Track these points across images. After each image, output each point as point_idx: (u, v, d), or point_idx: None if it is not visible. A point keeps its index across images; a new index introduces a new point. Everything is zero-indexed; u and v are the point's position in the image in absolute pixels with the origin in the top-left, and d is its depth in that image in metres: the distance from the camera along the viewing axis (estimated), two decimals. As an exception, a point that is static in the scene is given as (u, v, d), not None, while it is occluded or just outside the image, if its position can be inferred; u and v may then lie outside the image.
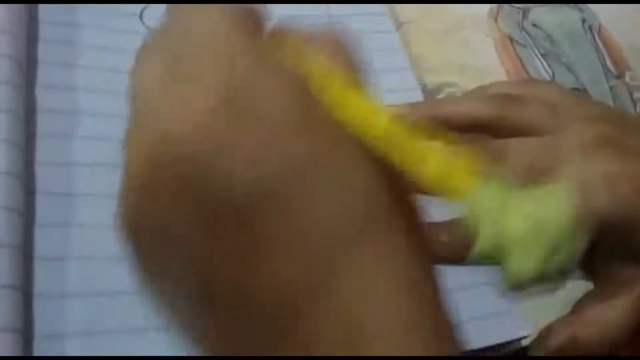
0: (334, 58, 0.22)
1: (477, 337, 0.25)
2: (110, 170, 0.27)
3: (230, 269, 0.19)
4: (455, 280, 0.30)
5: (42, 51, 0.30)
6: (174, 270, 0.20)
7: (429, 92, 0.38)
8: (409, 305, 0.19)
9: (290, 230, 0.19)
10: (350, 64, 0.22)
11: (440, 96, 0.38)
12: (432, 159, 0.17)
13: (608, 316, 0.30)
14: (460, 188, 0.17)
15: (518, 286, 0.16)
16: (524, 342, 0.30)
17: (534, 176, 0.31)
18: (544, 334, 0.30)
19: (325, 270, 0.19)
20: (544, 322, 0.31)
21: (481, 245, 0.16)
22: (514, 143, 0.32)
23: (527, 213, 0.16)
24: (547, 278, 0.16)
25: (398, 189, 0.19)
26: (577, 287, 0.33)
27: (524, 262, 0.16)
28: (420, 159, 0.17)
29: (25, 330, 0.23)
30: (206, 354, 0.22)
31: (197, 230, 0.19)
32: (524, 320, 0.30)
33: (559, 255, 0.16)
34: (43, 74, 0.30)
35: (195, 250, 0.19)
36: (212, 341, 0.21)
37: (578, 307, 0.32)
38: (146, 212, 0.20)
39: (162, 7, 0.35)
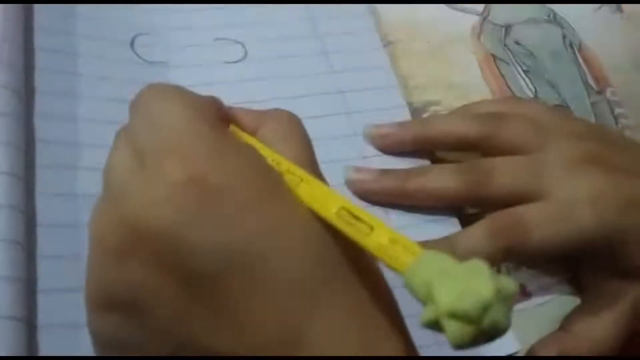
0: (286, 138, 0.24)
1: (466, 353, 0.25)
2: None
3: (206, 329, 0.20)
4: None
5: (39, 80, 0.30)
6: (141, 337, 0.21)
7: (415, 110, 0.38)
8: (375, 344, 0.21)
9: (262, 291, 0.20)
10: (302, 143, 0.24)
11: (426, 114, 0.39)
12: (374, 235, 0.20)
13: (597, 331, 0.31)
14: (398, 263, 0.20)
15: (461, 347, 0.19)
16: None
17: (520, 195, 0.32)
18: (535, 350, 0.31)
19: (296, 324, 0.20)
20: (534, 338, 0.32)
21: (422, 318, 0.19)
22: (499, 162, 0.33)
23: (455, 288, 0.19)
24: (483, 337, 0.19)
25: (353, 251, 0.21)
26: (566, 302, 0.33)
27: (457, 330, 0.18)
28: (365, 235, 0.20)
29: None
30: None
31: (170, 295, 0.20)
32: (514, 336, 0.31)
33: (486, 321, 0.18)
34: (41, 104, 0.30)
35: (168, 313, 0.21)
36: None
37: (567, 322, 0.32)
38: (119, 281, 0.21)
39: (153, 36, 0.35)
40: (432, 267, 0.19)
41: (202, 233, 0.20)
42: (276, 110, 0.25)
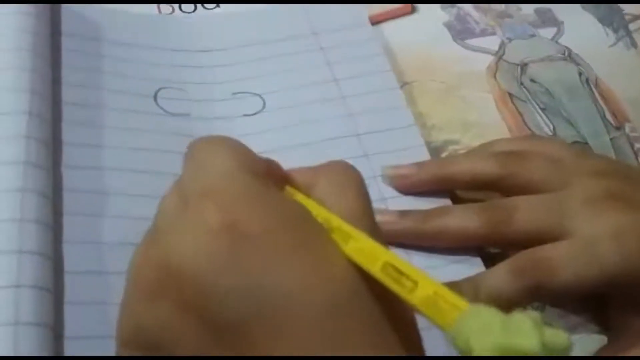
0: (340, 190, 0.24)
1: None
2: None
3: None
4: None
5: (66, 132, 0.31)
6: None
7: (433, 150, 0.39)
8: None
9: (286, 340, 0.20)
10: (356, 194, 0.24)
11: (445, 153, 0.39)
12: (419, 291, 0.21)
13: (624, 370, 0.31)
14: (443, 320, 0.20)
15: None
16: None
17: (542, 234, 0.32)
18: None
19: None
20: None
21: None
22: (520, 201, 0.33)
23: (494, 344, 0.19)
24: None
25: (388, 302, 0.21)
26: (592, 341, 0.33)
27: None
28: (409, 291, 0.21)
29: None
30: None
31: (194, 338, 0.21)
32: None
33: None
34: (68, 154, 0.31)
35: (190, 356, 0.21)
36: None
37: (594, 361, 0.32)
38: (146, 320, 0.22)
39: (175, 90, 0.36)
40: (474, 323, 0.19)
41: (229, 280, 0.20)
42: (332, 162, 0.26)
